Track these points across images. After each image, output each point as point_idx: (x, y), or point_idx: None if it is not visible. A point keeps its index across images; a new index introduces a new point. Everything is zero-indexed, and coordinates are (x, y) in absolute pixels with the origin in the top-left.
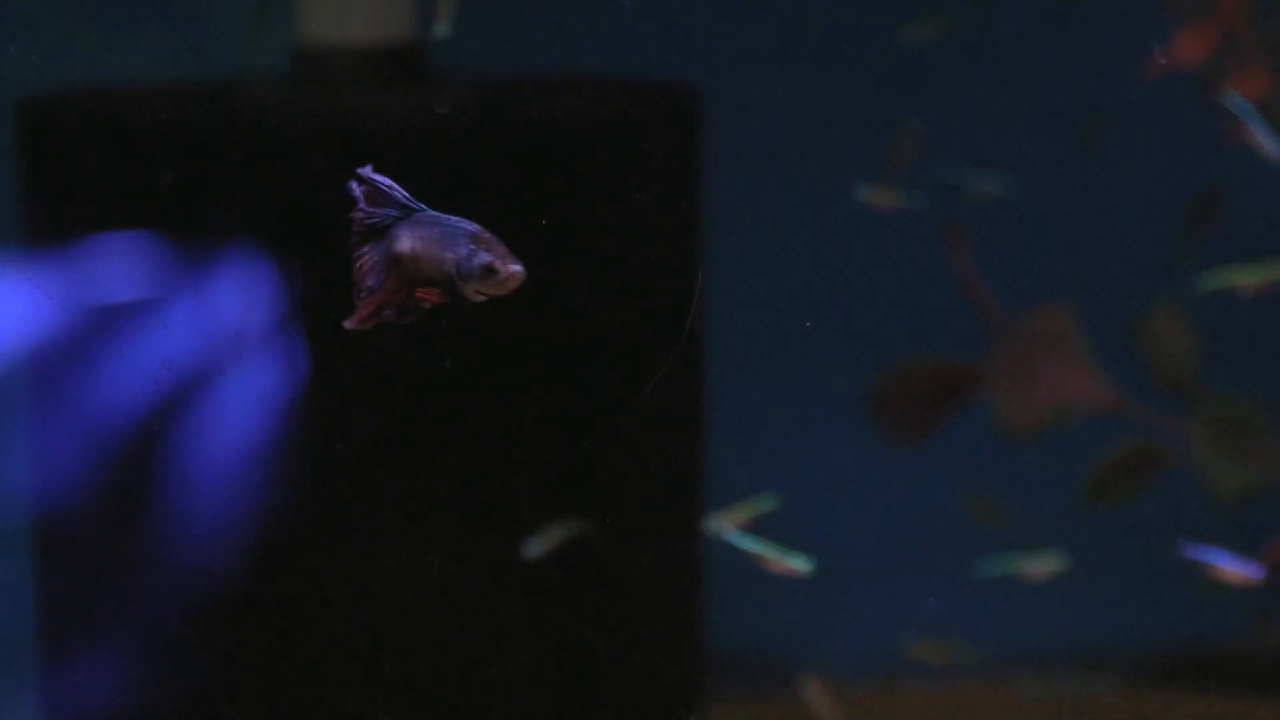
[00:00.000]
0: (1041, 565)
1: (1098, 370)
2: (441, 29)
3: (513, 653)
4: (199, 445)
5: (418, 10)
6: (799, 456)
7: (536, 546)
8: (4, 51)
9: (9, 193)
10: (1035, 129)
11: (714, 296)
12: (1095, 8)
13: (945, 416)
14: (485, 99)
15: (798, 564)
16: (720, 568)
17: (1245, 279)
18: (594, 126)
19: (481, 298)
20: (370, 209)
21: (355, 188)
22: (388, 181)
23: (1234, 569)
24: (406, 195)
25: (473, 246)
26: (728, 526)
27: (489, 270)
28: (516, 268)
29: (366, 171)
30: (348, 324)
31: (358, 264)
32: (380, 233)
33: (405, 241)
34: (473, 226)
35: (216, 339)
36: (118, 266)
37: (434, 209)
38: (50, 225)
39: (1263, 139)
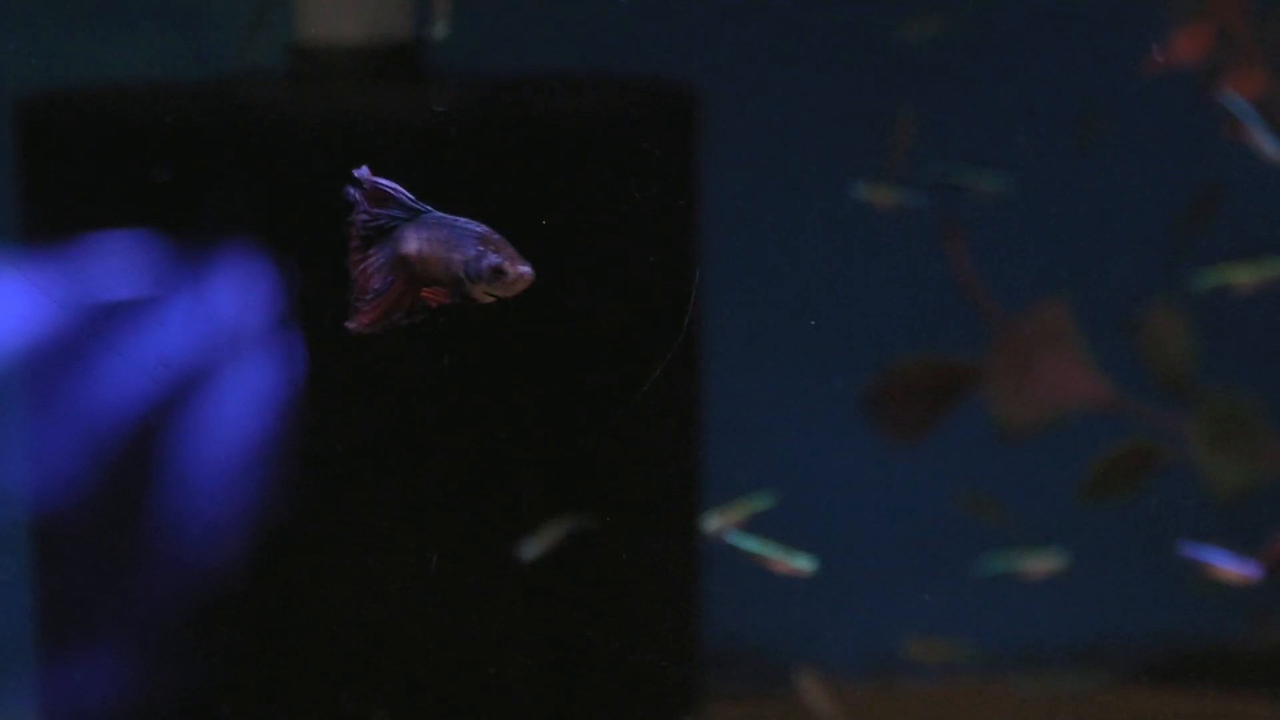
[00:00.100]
0: (1040, 564)
1: (1096, 368)
2: (440, 28)
3: (511, 651)
4: (197, 444)
5: (416, 9)
6: (797, 455)
7: (531, 548)
8: (3, 51)
9: (7, 191)
10: (1033, 127)
11: (712, 295)
12: (1094, 6)
13: (943, 414)
14: (484, 98)
15: (801, 564)
16: (718, 566)
17: (1243, 277)
18: (592, 126)
19: (490, 299)
20: (374, 210)
21: (353, 191)
22: (392, 185)
23: (1232, 567)
24: (411, 197)
25: (481, 248)
26: (727, 526)
27: (498, 272)
28: (526, 269)
29: (366, 174)
30: (352, 326)
31: (360, 266)
32: (385, 234)
33: (412, 243)
34: (480, 228)
35: (214, 337)
36: (115, 265)
37: (434, 209)
38: (48, 224)
39: (1261, 138)
